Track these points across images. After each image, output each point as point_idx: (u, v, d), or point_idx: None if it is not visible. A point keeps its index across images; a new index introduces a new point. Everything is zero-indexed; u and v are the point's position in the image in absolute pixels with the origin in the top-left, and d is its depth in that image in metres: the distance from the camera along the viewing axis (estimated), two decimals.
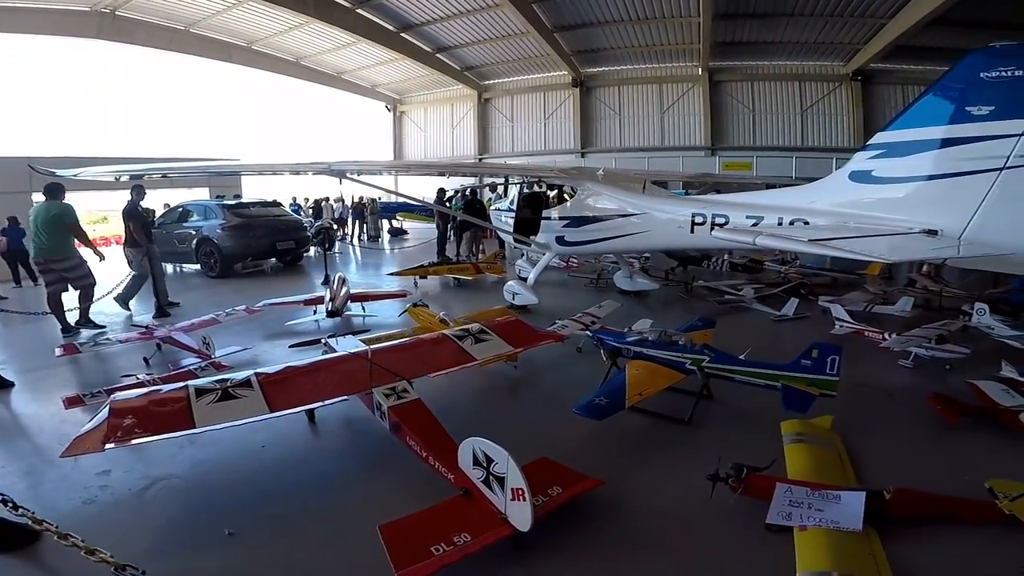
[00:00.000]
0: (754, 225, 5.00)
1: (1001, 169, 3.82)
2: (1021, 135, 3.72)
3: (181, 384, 3.10)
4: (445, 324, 5.59)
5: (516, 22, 16.50)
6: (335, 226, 18.50)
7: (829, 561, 2.28)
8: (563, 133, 23.11)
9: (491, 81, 24.08)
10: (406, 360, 3.64)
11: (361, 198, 24.15)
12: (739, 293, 8.23)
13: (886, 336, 5.95)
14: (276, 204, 13.89)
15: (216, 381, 3.09)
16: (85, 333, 6.65)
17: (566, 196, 7.23)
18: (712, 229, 4.94)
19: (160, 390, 3.15)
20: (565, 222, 7.01)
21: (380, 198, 21.51)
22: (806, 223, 4.72)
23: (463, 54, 20.94)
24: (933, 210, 4.18)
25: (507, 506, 2.29)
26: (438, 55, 20.71)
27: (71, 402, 4.01)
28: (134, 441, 2.60)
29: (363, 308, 7.25)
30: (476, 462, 2.44)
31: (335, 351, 4.03)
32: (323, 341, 4.49)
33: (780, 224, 4.85)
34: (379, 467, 3.28)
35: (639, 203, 6.18)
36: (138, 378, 4.49)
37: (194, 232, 11.42)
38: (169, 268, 12.35)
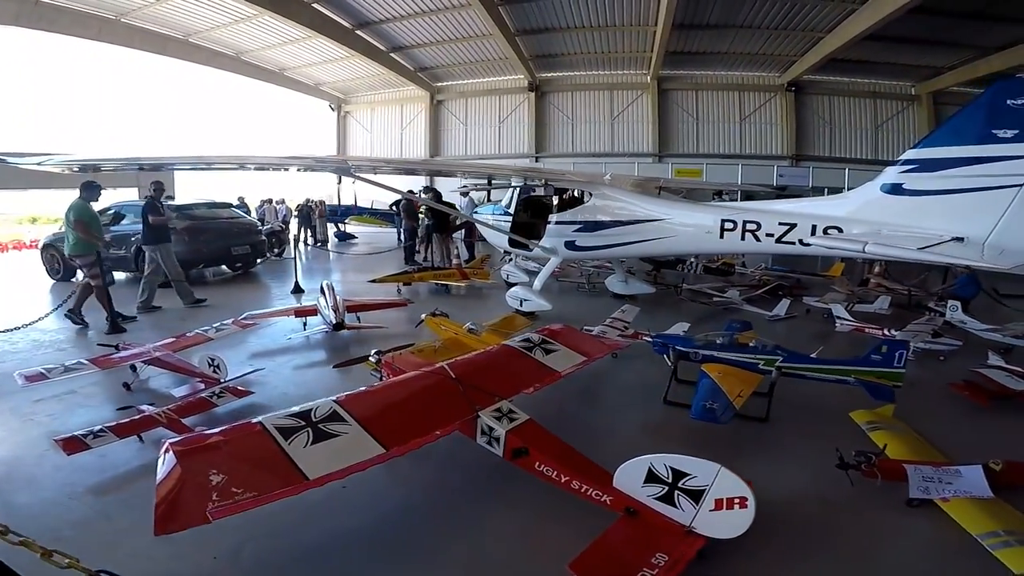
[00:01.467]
0: (788, 231, 5.18)
1: (1021, 186, 4.17)
2: None
3: (251, 420, 2.58)
4: (474, 335, 5.33)
5: (482, 23, 16.25)
6: (285, 229, 17.46)
7: (990, 523, 2.56)
8: (517, 137, 23.10)
9: (445, 83, 23.65)
10: (491, 377, 3.37)
11: (308, 200, 23.02)
12: (725, 296, 8.52)
13: (885, 332, 6.36)
14: (227, 205, 12.82)
15: (293, 416, 2.62)
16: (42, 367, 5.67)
17: (583, 200, 7.12)
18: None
19: (217, 430, 2.57)
20: (577, 226, 6.92)
21: (325, 200, 20.60)
22: (840, 230, 4.94)
23: (419, 54, 20.40)
24: (960, 220, 4.46)
25: (699, 517, 2.26)
26: (392, 54, 20.05)
27: (71, 445, 3.28)
28: (241, 508, 2.08)
29: (358, 319, 6.79)
30: (653, 479, 2.36)
31: (400, 370, 3.68)
32: (376, 359, 4.06)
33: (814, 231, 5.05)
34: (493, 498, 3.00)
35: (663, 208, 6.20)
36: (141, 410, 3.80)
37: (133, 236, 10.13)
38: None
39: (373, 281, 9.26)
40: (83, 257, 7.00)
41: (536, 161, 22.57)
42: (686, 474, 2.32)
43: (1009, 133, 4.14)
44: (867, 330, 6.51)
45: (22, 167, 4.92)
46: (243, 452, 2.37)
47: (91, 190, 7.24)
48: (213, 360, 4.52)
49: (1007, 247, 4.29)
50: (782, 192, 16.06)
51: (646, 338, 4.73)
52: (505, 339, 5.27)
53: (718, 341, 4.30)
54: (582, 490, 2.56)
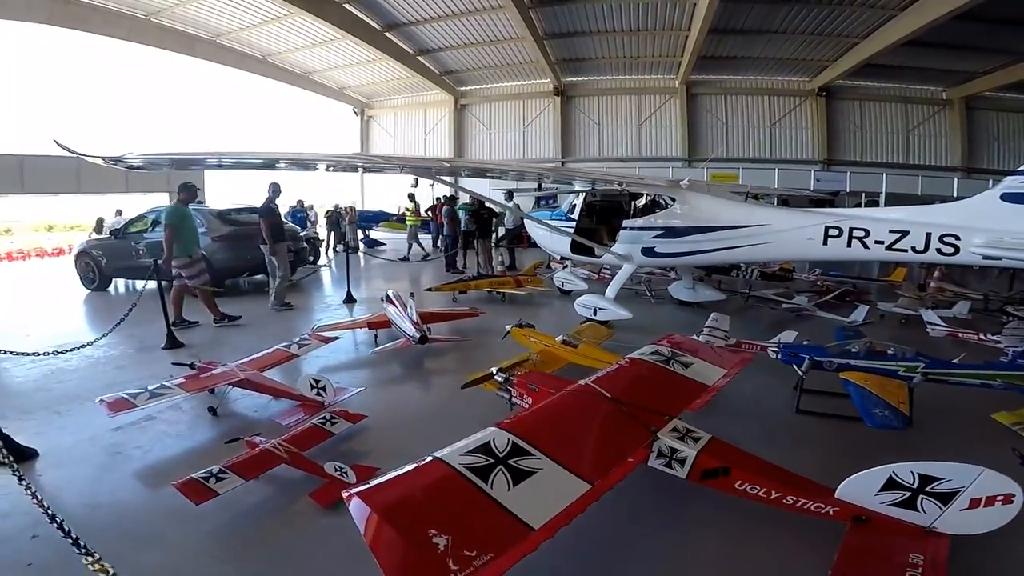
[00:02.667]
0: (900, 239, 5.00)
1: None
2: None
3: (429, 459, 2.20)
4: (570, 346, 5.10)
5: (514, 26, 16.16)
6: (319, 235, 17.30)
7: None
8: (542, 141, 22.97)
9: (469, 87, 23.57)
10: (645, 394, 3.15)
11: (337, 206, 22.89)
12: (793, 302, 8.29)
13: (981, 337, 6.15)
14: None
15: (473, 451, 2.26)
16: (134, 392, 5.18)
17: (661, 205, 6.92)
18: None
19: (397, 473, 2.16)
20: (657, 232, 6.71)
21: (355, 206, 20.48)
22: (958, 238, 4.77)
23: (445, 57, 20.33)
24: None
25: (944, 518, 2.27)
26: (419, 57, 19.97)
27: (197, 493, 2.78)
28: None
29: (429, 330, 6.54)
30: (893, 486, 2.33)
31: (538, 389, 3.45)
32: (504, 378, 3.77)
33: (928, 240, 4.88)
34: (680, 521, 2.85)
35: (761, 215, 6.00)
36: (253, 443, 3.30)
37: None
38: (120, 285, 10.90)
39: (429, 290, 9.07)
40: (179, 259, 7.02)
41: (562, 166, 22.41)
42: (937, 479, 2.28)
43: None
44: (961, 335, 6.31)
45: (95, 162, 4.66)
46: (448, 502, 2.03)
47: (189, 191, 7.27)
48: (318, 381, 4.11)
49: None
50: (832, 198, 15.77)
51: (771, 348, 4.54)
52: (596, 350, 5.08)
53: (853, 349, 4.13)
54: (798, 504, 2.49)
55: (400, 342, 5.88)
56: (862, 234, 5.21)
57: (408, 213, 16.40)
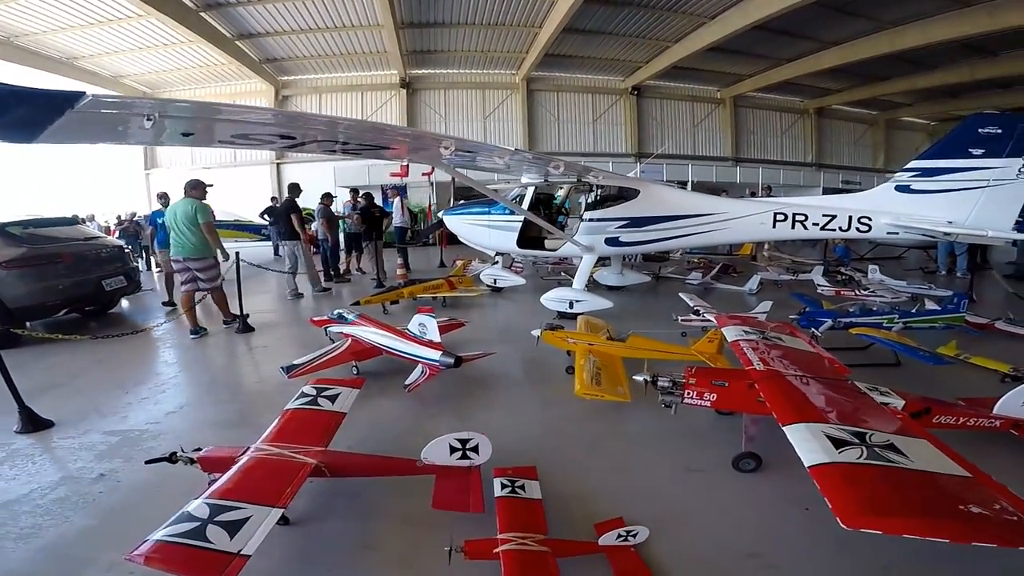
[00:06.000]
0: (830, 221, 6.31)
1: (986, 187, 6.00)
2: (996, 168, 5.91)
3: (816, 468, 2.12)
4: (619, 341, 5.09)
5: (376, 13, 15.02)
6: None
7: None
8: None
9: (294, 77, 21.19)
10: (813, 369, 3.35)
11: (134, 215, 19.11)
12: (690, 278, 9.62)
13: (856, 292, 7.97)
14: (72, 221, 8.87)
15: (838, 447, 2.21)
16: None
17: (624, 197, 7.37)
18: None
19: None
20: (622, 222, 7.14)
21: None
22: (869, 219, 6.20)
23: (270, 44, 17.92)
24: (950, 210, 6.17)
25: None
26: (237, 42, 17.27)
27: None
28: None
29: None
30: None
31: (723, 385, 3.42)
32: (669, 383, 3.64)
33: (850, 221, 6.25)
34: None
35: (719, 204, 6.92)
36: (482, 550, 2.42)
37: None
38: None
39: (357, 303, 8.07)
40: (202, 260, 6.77)
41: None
42: None
43: (978, 152, 5.94)
44: (842, 292, 8.08)
45: None
46: (911, 485, 2.05)
47: (202, 188, 6.94)
48: (465, 441, 3.03)
49: (979, 226, 6.02)
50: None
51: (791, 316, 5.28)
52: (648, 341, 5.20)
53: (851, 309, 5.13)
54: (978, 424, 3.27)
55: (423, 372, 4.82)
56: (803, 218, 6.43)
57: None
